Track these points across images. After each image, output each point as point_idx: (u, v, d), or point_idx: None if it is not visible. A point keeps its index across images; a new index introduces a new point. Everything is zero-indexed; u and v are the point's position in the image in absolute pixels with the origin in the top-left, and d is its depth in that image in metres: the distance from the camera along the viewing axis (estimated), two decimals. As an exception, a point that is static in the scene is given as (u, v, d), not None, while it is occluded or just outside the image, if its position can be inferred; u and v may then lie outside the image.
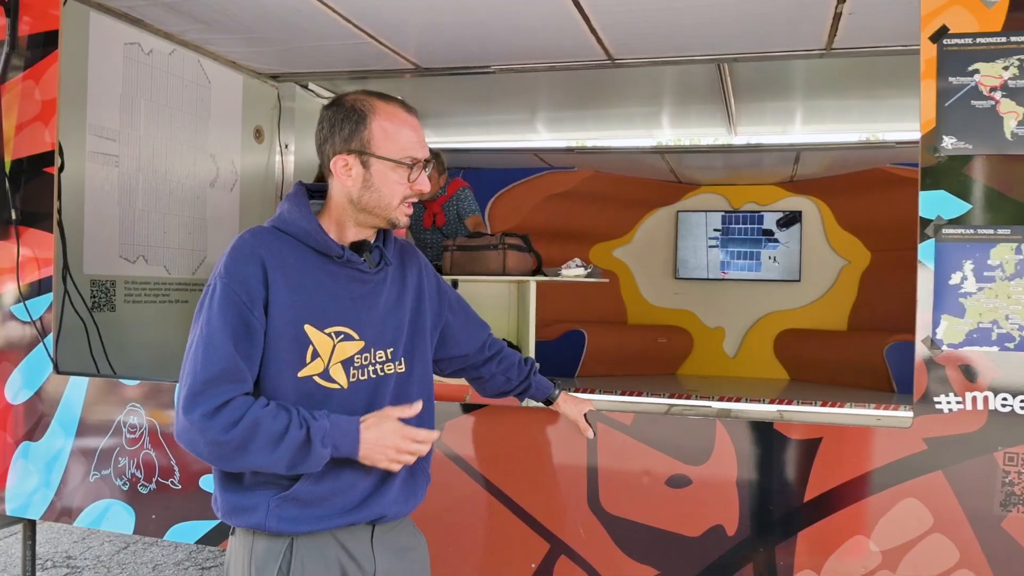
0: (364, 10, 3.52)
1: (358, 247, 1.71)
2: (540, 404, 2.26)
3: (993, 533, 2.12)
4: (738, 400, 4.74)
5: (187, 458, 2.81)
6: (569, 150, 5.91)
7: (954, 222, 2.17)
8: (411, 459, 1.64)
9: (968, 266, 2.15)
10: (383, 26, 3.75)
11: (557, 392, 2.23)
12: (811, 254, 6.48)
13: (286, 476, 1.60)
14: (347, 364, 1.66)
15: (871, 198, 6.11)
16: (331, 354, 1.65)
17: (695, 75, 4.45)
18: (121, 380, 2.95)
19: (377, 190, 1.66)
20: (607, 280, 5.14)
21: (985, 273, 2.14)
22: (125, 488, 2.90)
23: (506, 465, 2.50)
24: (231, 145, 4.44)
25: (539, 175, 6.42)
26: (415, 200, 1.73)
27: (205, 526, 2.79)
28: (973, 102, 2.16)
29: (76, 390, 3.00)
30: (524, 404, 2.29)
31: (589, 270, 3.84)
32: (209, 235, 4.30)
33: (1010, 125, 2.13)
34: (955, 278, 2.16)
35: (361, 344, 1.68)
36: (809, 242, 6.48)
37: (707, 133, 5.73)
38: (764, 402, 4.75)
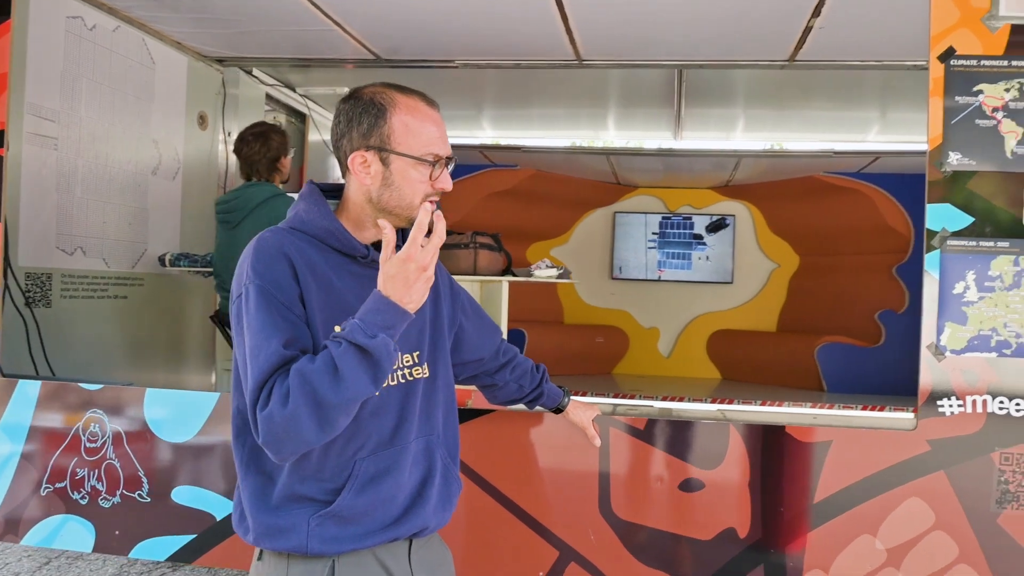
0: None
1: (379, 246, 1.62)
2: (548, 411, 2.21)
3: (990, 529, 2.25)
4: (681, 400, 4.85)
5: (158, 468, 2.62)
6: (515, 148, 5.90)
7: (958, 234, 2.28)
8: (432, 266, 1.41)
9: (970, 276, 2.27)
10: (350, 14, 3.64)
11: (567, 400, 2.18)
12: (743, 257, 6.72)
13: (323, 493, 1.50)
14: None
15: (802, 205, 6.39)
16: None
17: (650, 79, 4.53)
18: (81, 384, 2.72)
19: (398, 188, 1.55)
20: (578, 280, 5.17)
21: (986, 283, 2.26)
22: (84, 502, 2.67)
23: (512, 471, 2.46)
24: (174, 131, 4.21)
25: (482, 172, 6.38)
26: (437, 199, 1.62)
27: (178, 542, 2.61)
28: (977, 121, 2.28)
29: (25, 395, 2.75)
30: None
31: (560, 271, 3.84)
32: (150, 226, 4.05)
33: (1010, 144, 2.26)
34: (958, 287, 2.27)
35: None
36: (741, 245, 6.72)
37: (652, 137, 5.83)
38: (706, 401, 4.88)
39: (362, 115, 1.55)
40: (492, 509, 2.43)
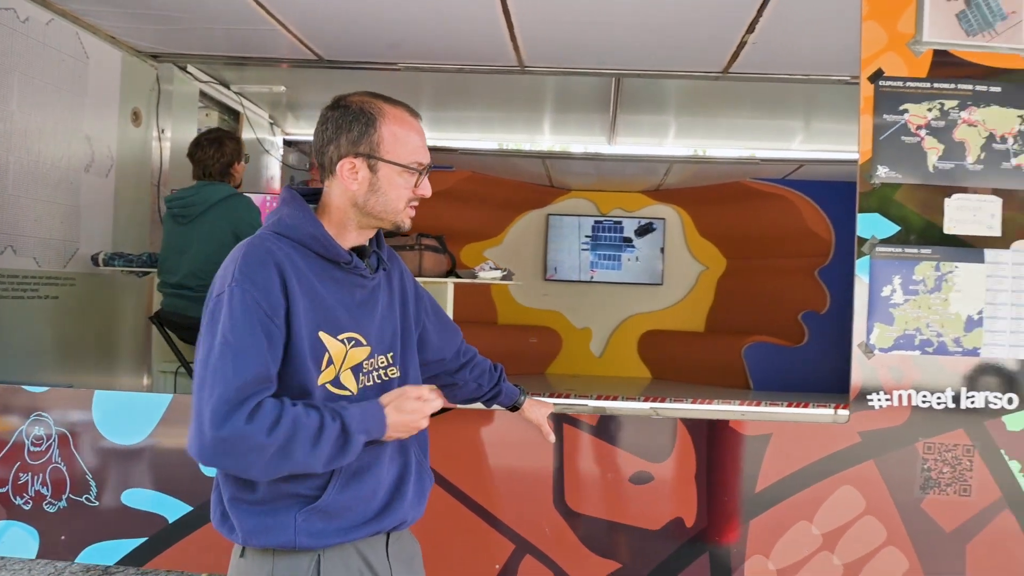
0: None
1: (359, 252, 1.70)
2: (505, 409, 2.30)
3: (914, 513, 2.45)
4: (614, 398, 5.00)
5: (107, 471, 2.59)
6: (451, 150, 5.96)
7: (886, 241, 2.46)
8: (425, 421, 1.66)
9: (897, 280, 2.45)
10: (295, 15, 3.66)
11: (523, 398, 2.27)
12: (672, 259, 6.95)
13: (308, 489, 1.57)
14: (356, 370, 1.64)
15: (729, 209, 6.64)
16: (343, 360, 1.62)
17: (587, 85, 4.66)
18: (24, 387, 2.67)
19: (384, 194, 1.64)
20: (520, 282, 5.22)
21: (910, 287, 2.45)
22: (27, 507, 2.62)
23: (468, 468, 2.54)
24: (107, 127, 4.12)
25: (418, 173, 6.41)
26: (416, 204, 1.72)
27: (128, 545, 2.59)
28: (903, 137, 2.47)
29: (-39, 397, 2.68)
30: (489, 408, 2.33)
31: (504, 272, 3.93)
32: (82, 224, 3.96)
33: (932, 160, 2.46)
34: (886, 291, 2.46)
35: (368, 350, 1.66)
36: (671, 248, 6.95)
37: (587, 141, 5.98)
38: (639, 400, 5.04)
39: (352, 123, 1.62)
40: (450, 505, 2.50)
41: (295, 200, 1.65)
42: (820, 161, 5.73)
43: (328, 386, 1.59)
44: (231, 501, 1.58)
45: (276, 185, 6.07)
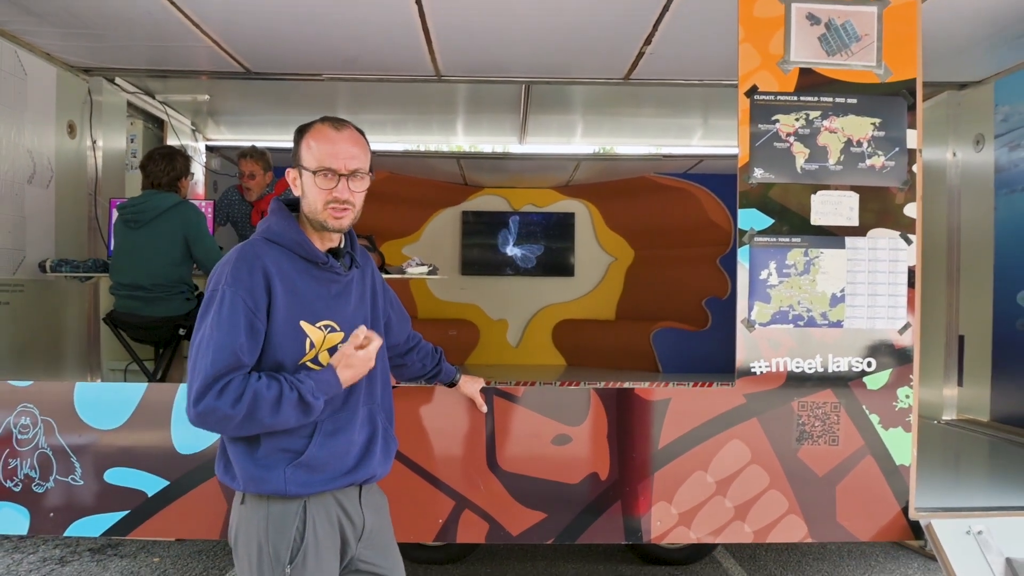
0: (209, 13, 3.65)
1: (334, 253, 2.04)
2: (444, 385, 2.69)
3: (792, 461, 2.88)
4: (532, 384, 5.37)
5: (90, 453, 2.83)
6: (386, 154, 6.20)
7: (762, 232, 2.89)
8: (372, 361, 1.97)
9: (772, 265, 2.88)
10: (226, 32, 3.89)
11: (459, 376, 2.68)
12: (583, 252, 7.32)
13: (296, 446, 1.91)
14: (332, 351, 1.99)
15: (636, 203, 7.03)
16: (321, 343, 1.97)
17: (499, 91, 4.99)
18: (10, 382, 2.88)
19: (306, 196, 1.98)
20: (446, 276, 5.39)
21: (784, 270, 2.88)
22: (17, 489, 2.84)
23: (413, 437, 2.86)
24: (46, 140, 4.30)
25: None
26: (339, 207, 1.96)
27: (112, 518, 2.83)
28: (775, 144, 2.90)
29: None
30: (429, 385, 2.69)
31: (431, 268, 4.23)
32: (28, 233, 4.13)
33: (800, 162, 2.90)
34: (763, 274, 2.88)
35: (342, 335, 2.02)
36: (581, 241, 7.32)
37: (499, 141, 6.30)
38: (555, 385, 5.42)
39: (296, 141, 2.00)
40: (398, 469, 2.82)
41: (281, 211, 2.00)
42: (718, 156, 6.20)
43: (309, 363, 1.95)
44: (237, 457, 1.93)
45: (200, 189, 6.23)
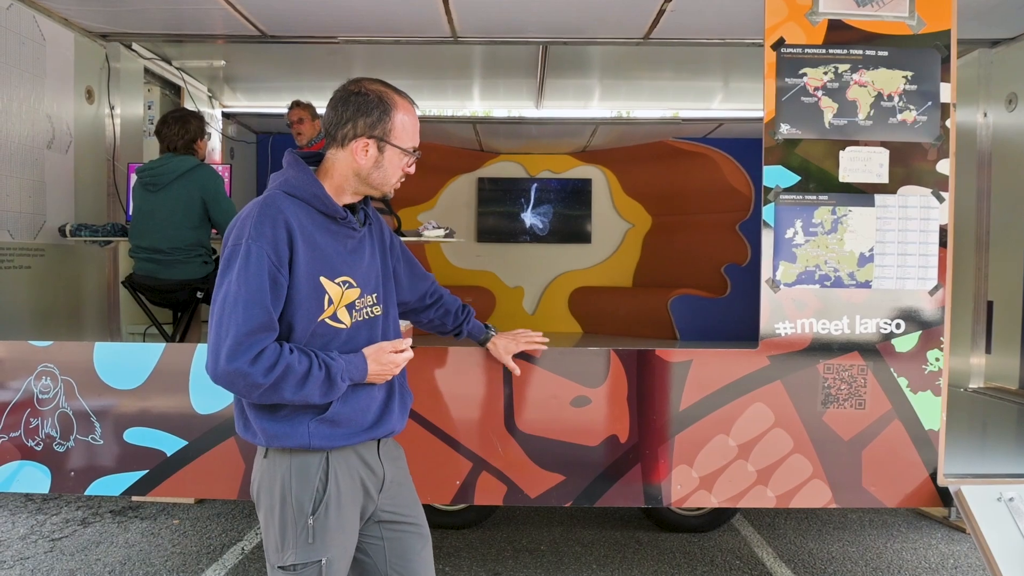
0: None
1: (351, 209, 2.00)
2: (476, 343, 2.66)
3: (817, 425, 2.82)
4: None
5: (110, 413, 2.83)
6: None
7: (788, 190, 2.81)
8: (399, 369, 2.04)
9: (798, 224, 2.81)
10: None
11: (491, 333, 2.65)
12: (599, 218, 7.24)
13: (321, 403, 1.91)
14: (350, 308, 1.98)
15: (654, 168, 6.94)
16: (340, 299, 1.94)
17: (515, 53, 4.90)
18: (30, 342, 2.87)
19: (384, 170, 1.98)
20: (463, 240, 5.34)
21: (810, 229, 2.81)
22: (39, 448, 2.84)
23: (431, 398, 2.83)
24: (65, 106, 4.30)
25: (350, 141, 6.57)
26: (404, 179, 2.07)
27: (131, 477, 2.83)
28: (802, 98, 2.81)
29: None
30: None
31: (447, 231, 4.18)
32: (48, 198, 4.15)
33: (828, 117, 2.81)
34: (789, 233, 2.81)
35: (359, 291, 2.00)
36: (598, 207, 7.24)
37: (515, 106, 6.22)
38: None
39: (372, 109, 1.95)
40: (417, 431, 2.81)
41: (299, 163, 1.96)
42: (739, 120, 6.08)
43: (327, 320, 1.94)
44: (256, 414, 1.92)
45: (217, 156, 6.21)
